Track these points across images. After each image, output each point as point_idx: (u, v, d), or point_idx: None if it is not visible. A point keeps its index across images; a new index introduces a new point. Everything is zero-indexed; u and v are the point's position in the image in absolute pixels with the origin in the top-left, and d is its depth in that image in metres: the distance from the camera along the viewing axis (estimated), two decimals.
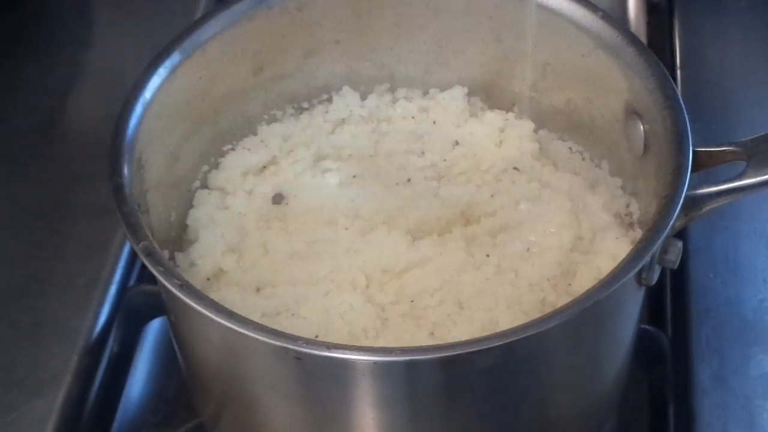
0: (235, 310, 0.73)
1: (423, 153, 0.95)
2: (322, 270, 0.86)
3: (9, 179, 1.03)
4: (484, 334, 0.77)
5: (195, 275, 0.89)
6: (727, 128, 1.05)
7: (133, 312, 0.96)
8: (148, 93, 0.84)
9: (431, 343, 0.82)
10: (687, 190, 0.76)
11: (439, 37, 0.95)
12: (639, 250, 0.74)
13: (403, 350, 0.74)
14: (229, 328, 0.72)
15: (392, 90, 0.98)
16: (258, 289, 0.86)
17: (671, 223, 0.74)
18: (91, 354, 0.92)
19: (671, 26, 1.16)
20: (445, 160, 0.94)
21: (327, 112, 0.97)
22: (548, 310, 0.80)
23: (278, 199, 0.92)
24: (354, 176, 0.93)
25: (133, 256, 0.98)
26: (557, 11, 0.89)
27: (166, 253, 0.85)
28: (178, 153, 0.89)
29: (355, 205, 0.90)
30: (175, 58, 0.86)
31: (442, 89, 0.98)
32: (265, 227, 0.90)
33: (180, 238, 0.91)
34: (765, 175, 0.78)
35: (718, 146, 0.81)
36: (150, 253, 0.75)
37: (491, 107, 0.97)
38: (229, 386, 0.81)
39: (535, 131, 0.96)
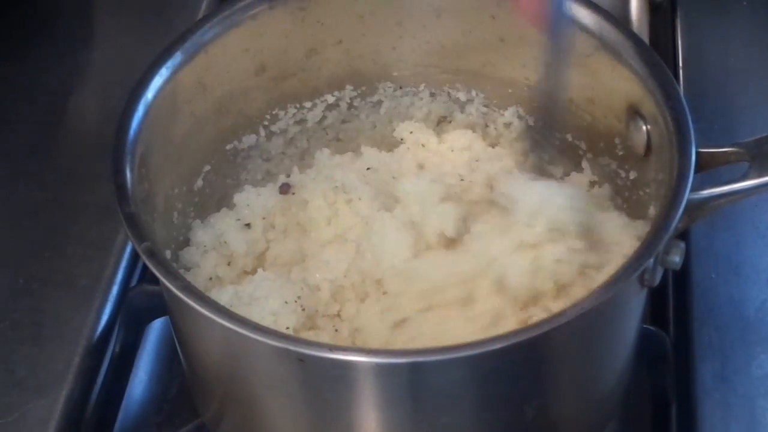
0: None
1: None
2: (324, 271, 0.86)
3: (11, 179, 1.03)
4: (488, 334, 0.77)
5: (197, 276, 0.89)
6: (730, 129, 1.04)
7: (135, 312, 0.96)
8: (150, 93, 0.84)
9: (433, 345, 0.83)
10: (689, 192, 0.76)
11: (442, 37, 0.95)
12: (641, 252, 0.74)
13: (406, 352, 0.74)
14: (231, 329, 0.72)
15: (395, 90, 0.98)
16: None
17: (674, 225, 0.74)
18: (93, 354, 0.92)
19: (674, 26, 1.16)
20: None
21: (330, 111, 0.97)
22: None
23: (285, 189, 0.93)
24: (368, 168, 0.94)
25: (135, 257, 0.98)
26: (559, 11, 0.89)
27: (168, 254, 0.85)
28: (180, 153, 0.89)
29: (365, 196, 0.91)
30: (177, 58, 0.86)
31: (445, 88, 0.98)
32: (269, 227, 0.91)
33: (182, 238, 0.91)
34: (767, 176, 0.78)
35: (721, 147, 0.81)
36: (152, 254, 0.75)
37: (493, 107, 0.98)
38: (230, 387, 0.81)
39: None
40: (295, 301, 0.85)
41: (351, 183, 0.91)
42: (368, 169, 0.95)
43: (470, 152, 0.97)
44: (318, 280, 0.87)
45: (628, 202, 0.90)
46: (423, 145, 0.98)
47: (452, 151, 0.97)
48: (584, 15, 0.88)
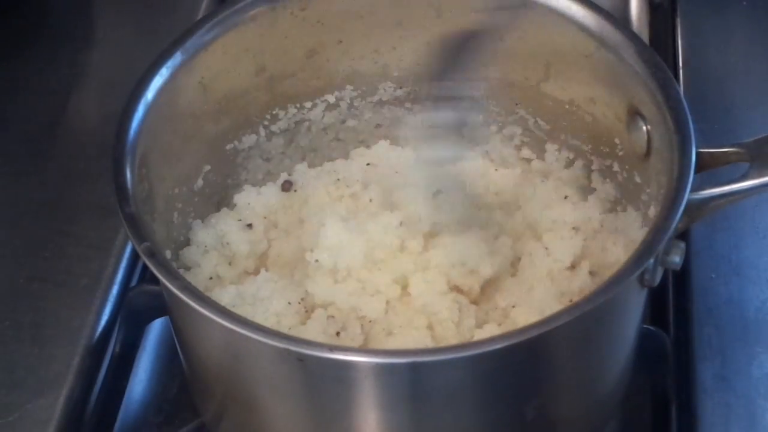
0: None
1: None
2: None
3: (11, 179, 1.03)
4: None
5: (197, 276, 0.89)
6: (730, 129, 1.04)
7: (135, 312, 0.96)
8: (150, 93, 0.84)
9: (434, 342, 0.83)
10: (690, 192, 0.76)
11: (442, 37, 0.95)
12: (641, 253, 0.74)
13: (406, 352, 0.74)
14: (231, 329, 0.72)
15: (395, 90, 0.98)
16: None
17: (673, 226, 0.74)
18: (93, 354, 0.92)
19: (674, 26, 1.16)
20: None
21: (330, 111, 0.98)
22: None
23: (287, 186, 0.93)
24: (368, 164, 0.95)
25: (135, 257, 0.98)
26: (560, 11, 0.89)
27: (168, 253, 0.85)
28: (180, 153, 0.89)
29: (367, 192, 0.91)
30: (177, 58, 0.86)
31: (445, 88, 0.98)
32: (271, 226, 0.91)
33: (182, 238, 0.91)
34: (767, 176, 0.78)
35: (721, 147, 0.81)
36: (152, 254, 0.75)
37: (493, 107, 0.98)
38: (230, 387, 0.81)
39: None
40: (299, 302, 0.85)
41: (353, 178, 0.91)
42: (368, 164, 0.95)
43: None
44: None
45: (628, 202, 0.90)
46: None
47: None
48: (584, 15, 0.88)
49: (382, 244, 0.86)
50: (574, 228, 0.89)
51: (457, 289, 0.86)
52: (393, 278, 0.85)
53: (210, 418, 0.89)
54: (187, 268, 0.89)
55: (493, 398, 0.76)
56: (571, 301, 0.84)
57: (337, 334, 0.83)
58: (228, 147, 0.95)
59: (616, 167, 0.91)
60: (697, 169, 0.77)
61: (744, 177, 0.78)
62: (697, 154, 0.78)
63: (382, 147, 0.98)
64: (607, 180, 0.92)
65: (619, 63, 0.85)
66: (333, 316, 0.84)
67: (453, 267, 0.86)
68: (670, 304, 0.98)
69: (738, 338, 0.91)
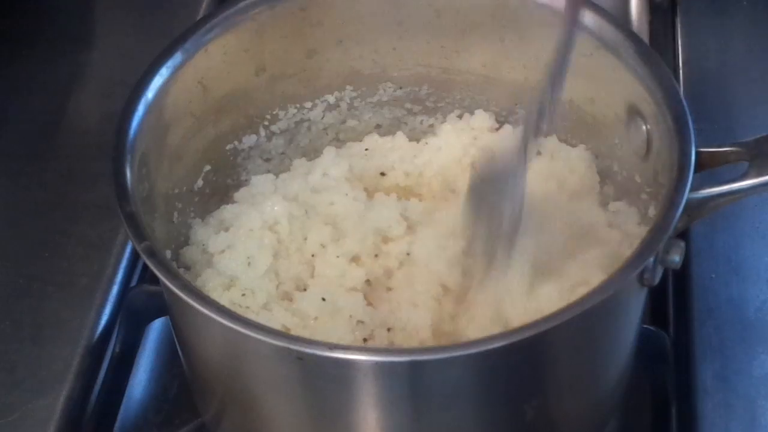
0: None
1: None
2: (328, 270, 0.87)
3: (11, 179, 1.03)
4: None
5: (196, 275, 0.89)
6: (730, 128, 1.04)
7: (135, 312, 0.96)
8: (150, 93, 0.84)
9: (434, 339, 0.83)
10: (689, 191, 0.76)
11: (442, 37, 0.95)
12: (641, 251, 0.74)
13: (405, 351, 0.74)
14: (231, 328, 0.72)
15: (395, 90, 0.98)
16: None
17: (673, 224, 0.74)
18: (93, 354, 0.92)
19: (674, 26, 1.16)
20: None
21: (330, 111, 0.98)
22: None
23: None
24: (366, 149, 0.96)
25: (135, 256, 0.98)
26: (560, 11, 0.88)
27: (168, 253, 0.85)
28: (180, 153, 0.89)
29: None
30: (177, 58, 0.86)
31: (445, 88, 0.98)
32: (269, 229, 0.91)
33: (182, 238, 0.91)
34: (767, 175, 0.78)
35: (721, 147, 0.81)
36: (152, 254, 0.75)
37: (493, 107, 0.98)
38: (230, 386, 0.81)
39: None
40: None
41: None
42: (366, 150, 0.96)
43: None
44: None
45: (627, 202, 0.90)
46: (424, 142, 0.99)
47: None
48: (584, 15, 0.88)
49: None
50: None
51: None
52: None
53: (210, 417, 0.89)
54: (187, 269, 0.90)
55: (492, 397, 0.76)
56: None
57: (365, 340, 0.83)
58: (228, 147, 0.95)
59: (615, 167, 0.91)
60: (697, 169, 0.77)
61: (743, 176, 0.78)
62: (697, 153, 0.78)
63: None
64: (607, 180, 0.92)
65: (619, 63, 0.85)
66: (362, 322, 0.84)
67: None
68: (670, 304, 0.98)
69: (738, 338, 0.92)
